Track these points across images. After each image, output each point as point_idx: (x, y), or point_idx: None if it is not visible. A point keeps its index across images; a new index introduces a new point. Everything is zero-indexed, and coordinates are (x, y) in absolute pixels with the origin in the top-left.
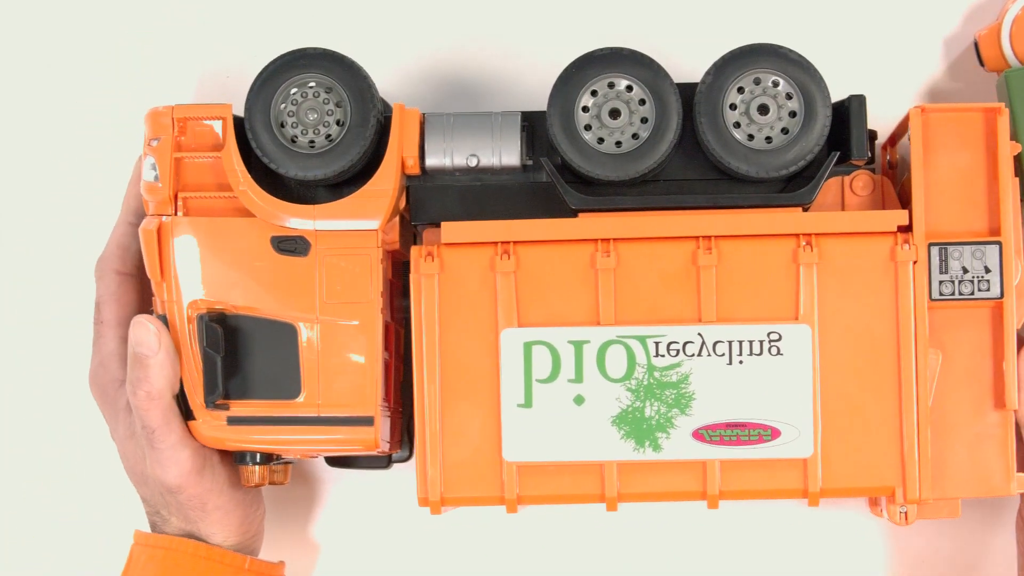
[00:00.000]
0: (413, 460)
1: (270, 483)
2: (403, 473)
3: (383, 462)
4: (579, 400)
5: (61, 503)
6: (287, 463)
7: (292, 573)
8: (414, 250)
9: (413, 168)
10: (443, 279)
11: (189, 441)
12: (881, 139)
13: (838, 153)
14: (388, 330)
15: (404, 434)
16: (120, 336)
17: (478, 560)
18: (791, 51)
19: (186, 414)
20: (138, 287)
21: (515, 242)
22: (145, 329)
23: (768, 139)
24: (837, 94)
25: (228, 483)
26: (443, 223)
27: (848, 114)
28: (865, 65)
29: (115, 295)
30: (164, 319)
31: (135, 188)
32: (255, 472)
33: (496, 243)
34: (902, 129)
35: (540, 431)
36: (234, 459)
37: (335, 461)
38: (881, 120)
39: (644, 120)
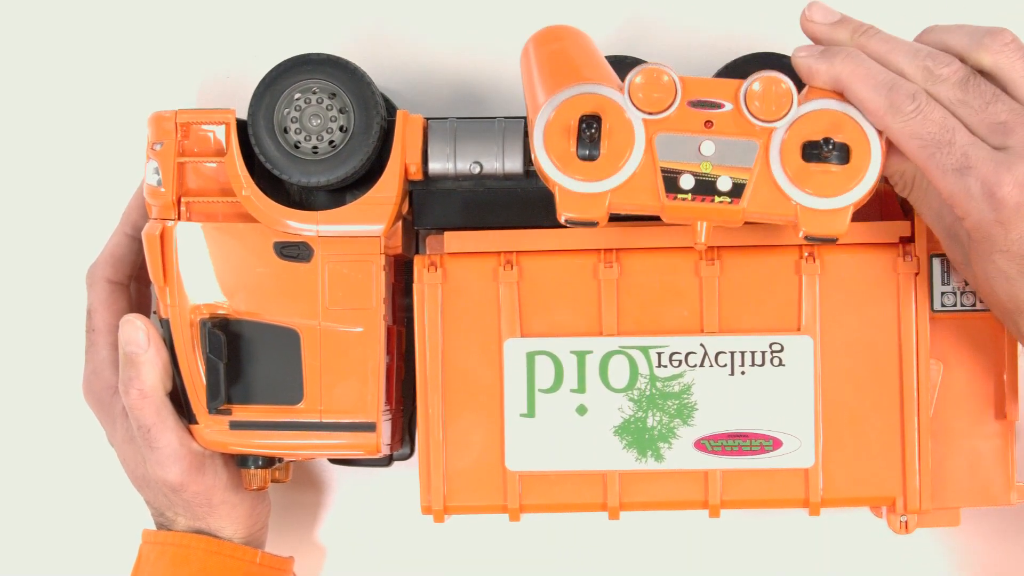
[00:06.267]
0: (414, 458)
1: (272, 481)
2: (404, 471)
3: (384, 460)
4: (581, 410)
5: (62, 511)
6: (288, 461)
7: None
8: (417, 259)
9: (416, 174)
10: (446, 289)
11: (186, 438)
12: None
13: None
14: (390, 333)
15: (405, 432)
16: (112, 343)
17: (481, 562)
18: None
19: (188, 418)
20: (129, 296)
21: (518, 252)
22: (133, 327)
23: None
24: None
25: (231, 477)
26: (446, 233)
27: None
28: None
29: (106, 303)
30: (167, 323)
31: (138, 200)
32: (257, 476)
33: (499, 253)
34: None
35: (543, 441)
36: (236, 463)
37: (335, 459)
38: None
39: None
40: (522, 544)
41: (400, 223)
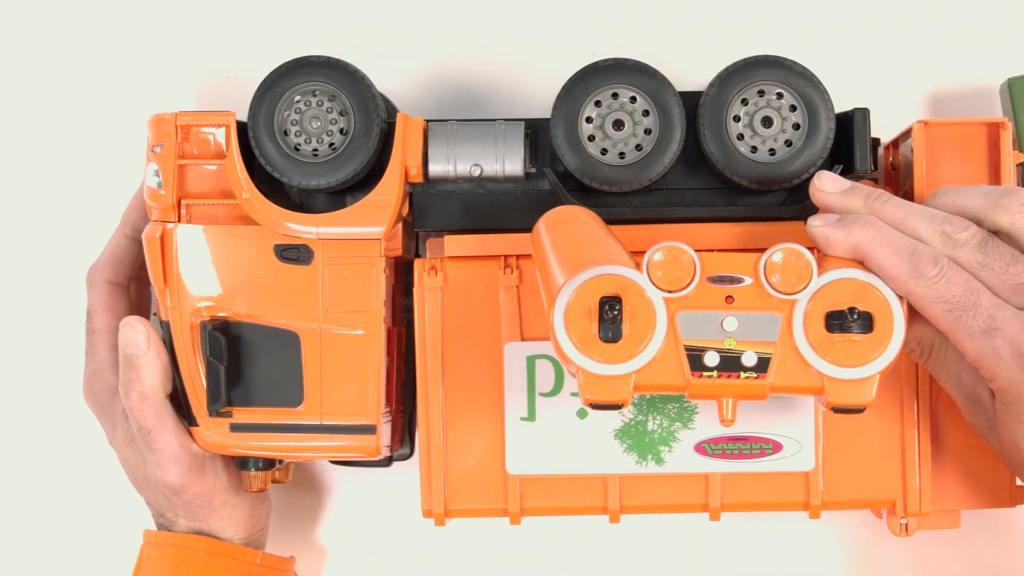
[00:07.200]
0: (414, 458)
1: (272, 482)
2: (405, 471)
3: (385, 461)
4: (582, 414)
5: (63, 511)
6: (289, 462)
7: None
8: (417, 263)
9: (416, 177)
10: (446, 292)
11: (186, 440)
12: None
13: (842, 166)
14: (390, 334)
15: (405, 431)
16: (112, 344)
17: (482, 564)
18: (795, 63)
19: (189, 420)
20: (129, 297)
21: (518, 256)
22: (133, 329)
23: (772, 151)
24: (841, 97)
25: (231, 479)
26: (446, 237)
27: (851, 126)
28: (868, 71)
29: (106, 304)
30: (167, 325)
31: (138, 201)
32: (258, 477)
33: (499, 256)
34: (906, 134)
35: (543, 444)
36: (236, 465)
37: (335, 460)
38: (884, 123)
39: (647, 131)
40: (523, 547)
41: (400, 224)
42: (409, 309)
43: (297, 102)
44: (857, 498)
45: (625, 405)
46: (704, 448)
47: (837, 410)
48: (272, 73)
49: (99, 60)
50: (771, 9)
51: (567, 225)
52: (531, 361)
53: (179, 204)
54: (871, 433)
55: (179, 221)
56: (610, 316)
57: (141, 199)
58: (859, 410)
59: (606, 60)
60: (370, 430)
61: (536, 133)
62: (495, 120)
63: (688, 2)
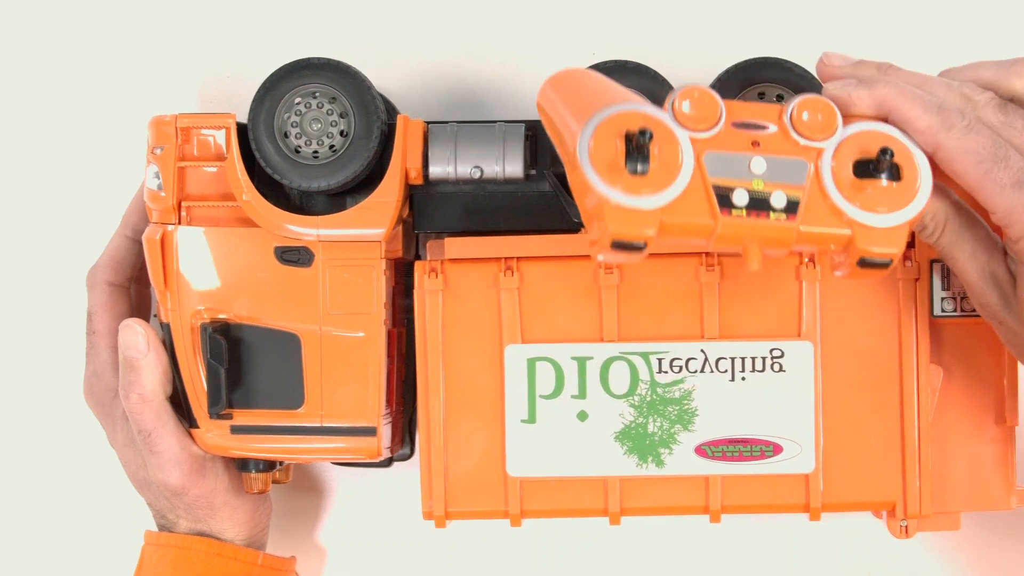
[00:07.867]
0: (414, 458)
1: (272, 482)
2: (405, 472)
3: (385, 462)
4: (582, 416)
5: (64, 512)
6: (289, 463)
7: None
8: (418, 265)
9: (416, 179)
10: (447, 295)
11: (187, 442)
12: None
13: None
14: (390, 336)
15: (405, 432)
16: (112, 346)
17: (482, 565)
18: (795, 64)
19: (189, 422)
20: (129, 298)
21: (519, 258)
22: (133, 331)
23: None
24: None
25: (232, 480)
26: (447, 239)
27: None
28: None
29: (106, 305)
30: (167, 327)
31: (138, 202)
32: (258, 479)
33: (500, 259)
34: None
35: (544, 446)
36: (237, 466)
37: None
38: None
39: None
40: (523, 549)
41: (400, 226)
42: (409, 310)
43: (297, 104)
44: (857, 500)
45: (648, 246)
46: (704, 450)
47: (864, 263)
48: (272, 75)
49: (100, 62)
50: (771, 9)
51: (578, 79)
52: (531, 363)
53: (179, 206)
54: (871, 435)
55: (179, 223)
56: (639, 145)
57: (141, 200)
58: (886, 264)
59: (606, 61)
60: (370, 432)
61: (536, 135)
62: (495, 122)
63: (688, 2)
